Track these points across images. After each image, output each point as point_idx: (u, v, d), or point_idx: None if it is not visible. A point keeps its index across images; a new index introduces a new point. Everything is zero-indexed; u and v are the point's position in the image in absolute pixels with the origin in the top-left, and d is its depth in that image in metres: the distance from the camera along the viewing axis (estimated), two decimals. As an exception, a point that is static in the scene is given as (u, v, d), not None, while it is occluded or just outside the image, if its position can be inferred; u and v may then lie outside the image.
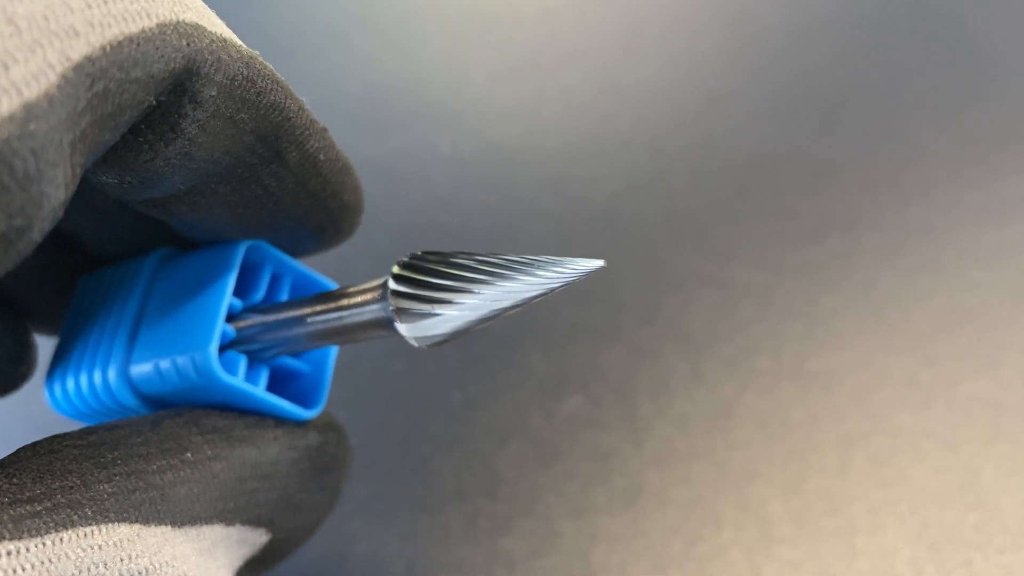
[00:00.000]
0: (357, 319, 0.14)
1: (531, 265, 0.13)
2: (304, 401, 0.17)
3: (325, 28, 0.37)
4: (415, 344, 0.13)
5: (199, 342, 0.14)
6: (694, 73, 0.35)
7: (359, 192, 0.17)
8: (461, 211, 0.30)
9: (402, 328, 0.13)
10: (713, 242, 0.29)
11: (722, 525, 0.23)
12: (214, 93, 0.12)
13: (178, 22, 0.11)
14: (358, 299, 0.14)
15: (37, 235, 0.09)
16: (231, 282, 0.15)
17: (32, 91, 0.09)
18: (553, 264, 0.13)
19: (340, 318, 0.14)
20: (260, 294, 0.16)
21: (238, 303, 0.15)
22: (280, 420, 0.16)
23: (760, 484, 0.24)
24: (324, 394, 0.17)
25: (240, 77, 0.13)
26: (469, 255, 0.13)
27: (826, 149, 0.32)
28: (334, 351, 0.17)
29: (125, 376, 0.15)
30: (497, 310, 0.13)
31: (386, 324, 0.13)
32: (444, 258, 0.13)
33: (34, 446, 0.13)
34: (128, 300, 0.16)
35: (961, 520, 0.23)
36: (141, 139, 0.12)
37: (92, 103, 0.10)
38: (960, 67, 0.34)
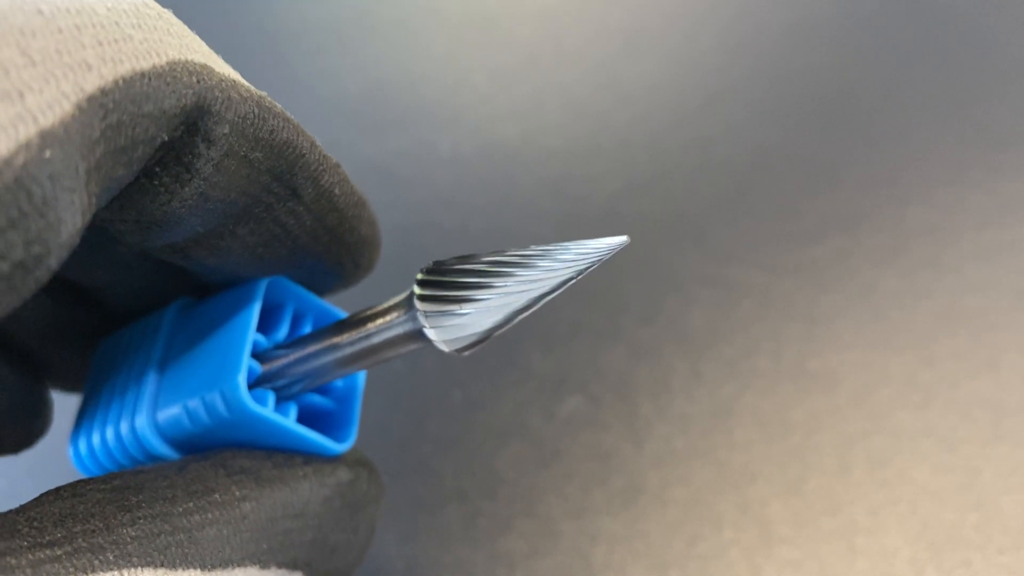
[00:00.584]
0: (386, 335, 0.14)
1: (553, 251, 0.12)
2: (333, 437, 0.16)
3: (325, 28, 0.37)
4: (447, 349, 0.13)
5: (227, 375, 0.14)
6: (694, 73, 0.35)
7: (376, 226, 0.17)
8: (461, 211, 0.30)
9: (433, 334, 0.13)
10: (713, 242, 0.29)
11: (722, 525, 0.23)
12: (226, 131, 0.12)
13: (187, 61, 0.12)
14: (384, 316, 0.14)
15: (55, 262, 0.09)
16: (255, 315, 0.15)
17: (48, 119, 0.09)
18: (576, 247, 0.13)
19: (368, 338, 0.14)
20: (284, 331, 0.16)
21: (263, 340, 0.15)
22: (309, 457, 0.15)
23: (760, 484, 0.23)
24: (354, 428, 0.16)
25: (251, 115, 0.13)
26: (490, 252, 0.13)
27: (826, 149, 0.32)
28: (361, 385, 0.17)
29: (153, 422, 0.15)
30: (526, 301, 0.12)
31: (416, 334, 0.13)
32: (464, 259, 0.13)
33: (57, 491, 0.13)
34: (151, 349, 0.16)
35: (961, 520, 0.23)
36: (156, 181, 0.12)
37: (106, 134, 0.10)
38: (961, 67, 0.34)
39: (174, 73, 0.11)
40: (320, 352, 0.15)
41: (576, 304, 0.27)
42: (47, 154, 0.09)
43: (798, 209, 0.30)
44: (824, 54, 0.35)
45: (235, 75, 0.13)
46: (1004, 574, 0.22)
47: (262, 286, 0.15)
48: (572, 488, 0.24)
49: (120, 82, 0.10)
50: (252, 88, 0.13)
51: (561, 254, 0.12)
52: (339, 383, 0.17)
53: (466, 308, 0.12)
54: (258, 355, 0.15)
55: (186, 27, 0.12)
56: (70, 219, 0.09)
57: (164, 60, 0.11)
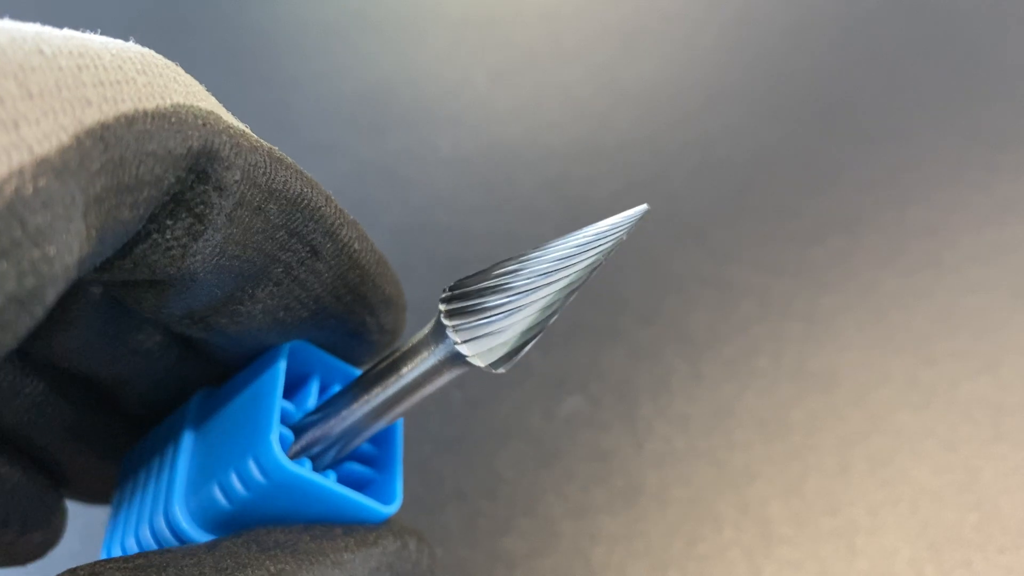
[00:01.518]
0: (419, 370, 0.13)
1: (569, 239, 0.12)
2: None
3: (325, 28, 0.37)
4: (483, 364, 0.12)
5: (258, 439, 0.14)
6: (694, 73, 0.35)
7: (399, 286, 0.16)
8: (461, 211, 0.30)
9: (467, 349, 0.12)
10: (713, 242, 0.29)
11: (722, 525, 0.23)
12: (237, 177, 0.12)
13: (193, 106, 0.11)
14: (413, 351, 0.13)
15: (51, 296, 0.09)
16: (280, 376, 0.14)
17: (43, 148, 0.09)
18: (592, 229, 0.12)
19: (400, 378, 0.13)
20: (312, 400, 0.15)
21: (292, 410, 0.15)
22: (350, 527, 0.14)
23: (760, 484, 0.23)
24: (398, 490, 0.15)
25: (262, 164, 0.12)
26: (506, 258, 0.12)
27: (826, 149, 0.32)
28: (400, 447, 0.16)
29: (186, 506, 0.14)
30: (552, 296, 0.12)
31: (451, 360, 0.13)
32: (482, 271, 0.12)
33: (73, 571, 0.12)
34: (177, 441, 0.15)
35: (961, 520, 0.23)
36: (169, 235, 0.12)
37: (107, 168, 0.10)
38: (960, 67, 0.34)
39: (179, 115, 0.11)
40: (352, 407, 0.14)
41: (576, 304, 0.27)
42: (42, 182, 0.09)
43: (798, 209, 0.30)
44: (824, 55, 0.35)
45: (243, 126, 0.13)
46: (1004, 574, 0.22)
47: (285, 349, 0.15)
48: (572, 488, 0.24)
49: (122, 119, 0.10)
50: (261, 140, 0.13)
51: (578, 240, 0.12)
52: (375, 449, 0.16)
53: (494, 315, 0.12)
54: (290, 426, 0.14)
55: (194, 79, 0.12)
56: (67, 250, 0.09)
57: (169, 103, 0.11)
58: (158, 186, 0.11)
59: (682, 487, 0.24)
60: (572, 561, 0.22)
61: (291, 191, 0.13)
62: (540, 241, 0.13)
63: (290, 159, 0.13)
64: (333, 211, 0.14)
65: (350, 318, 0.15)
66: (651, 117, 0.33)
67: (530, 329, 0.12)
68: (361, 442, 0.15)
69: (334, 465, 0.15)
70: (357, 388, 0.14)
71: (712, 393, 0.25)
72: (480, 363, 0.12)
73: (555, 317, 0.12)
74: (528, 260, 0.12)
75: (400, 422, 0.16)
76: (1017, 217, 0.29)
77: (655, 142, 0.32)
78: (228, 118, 0.12)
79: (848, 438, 0.24)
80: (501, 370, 0.13)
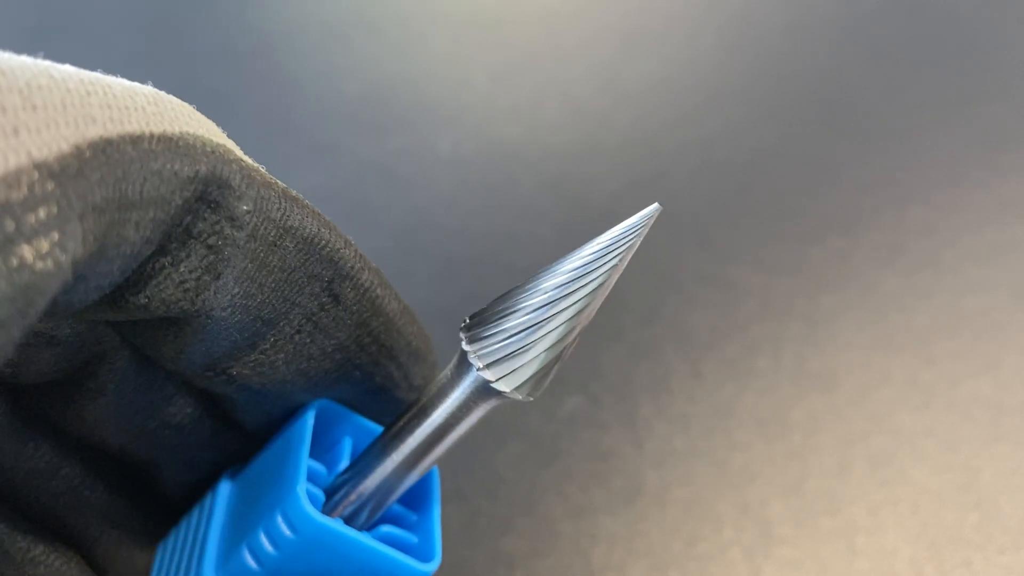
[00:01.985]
0: (449, 409, 0.13)
1: (582, 251, 0.12)
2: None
3: (325, 28, 0.37)
4: (508, 389, 0.12)
5: (285, 492, 0.13)
6: (694, 73, 0.35)
7: (428, 341, 0.15)
8: (461, 211, 0.30)
9: (491, 373, 0.12)
10: (713, 242, 0.29)
11: (722, 525, 0.23)
12: (249, 207, 0.12)
13: (202, 136, 0.11)
14: (439, 392, 0.13)
15: (43, 296, 0.09)
16: (307, 430, 0.14)
17: (42, 153, 0.09)
18: (604, 238, 0.12)
19: (429, 421, 0.13)
20: (344, 463, 0.15)
21: (323, 471, 0.14)
22: None
23: (760, 484, 0.24)
24: (437, 547, 0.15)
25: (275, 199, 0.12)
26: (524, 281, 0.12)
27: (826, 149, 0.32)
28: (437, 502, 0.15)
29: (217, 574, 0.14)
30: (572, 309, 0.12)
31: (479, 391, 0.12)
32: (500, 296, 0.12)
33: None
34: (209, 517, 0.15)
35: (961, 520, 0.23)
36: (183, 267, 0.12)
37: (107, 179, 0.10)
38: (960, 67, 0.34)
39: (187, 141, 0.11)
40: (384, 459, 0.13)
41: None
42: (37, 186, 0.09)
43: (798, 209, 0.30)
44: (824, 54, 0.35)
45: (257, 164, 0.12)
46: (1004, 574, 0.22)
47: (312, 406, 0.15)
48: (572, 488, 0.24)
49: (127, 137, 0.10)
50: (276, 178, 0.13)
51: (591, 249, 0.12)
52: (410, 508, 0.15)
53: (515, 335, 0.12)
54: (322, 488, 0.14)
55: (209, 120, 0.12)
56: (60, 249, 0.09)
57: (178, 130, 0.11)
58: (164, 208, 0.11)
59: (682, 487, 0.24)
60: (572, 561, 0.22)
61: (307, 230, 0.13)
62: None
63: (306, 200, 0.13)
64: (353, 255, 0.13)
65: (376, 370, 0.15)
66: (651, 117, 0.33)
67: (553, 347, 0.12)
68: (396, 497, 0.14)
69: (369, 526, 0.14)
70: (386, 438, 0.14)
71: (712, 393, 0.25)
72: (505, 387, 0.12)
73: (576, 334, 0.12)
74: (543, 276, 0.12)
75: (436, 476, 0.15)
76: (1017, 217, 0.29)
77: (655, 142, 0.32)
78: (240, 153, 0.12)
79: (848, 438, 0.24)
80: (529, 396, 0.12)
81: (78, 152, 0.09)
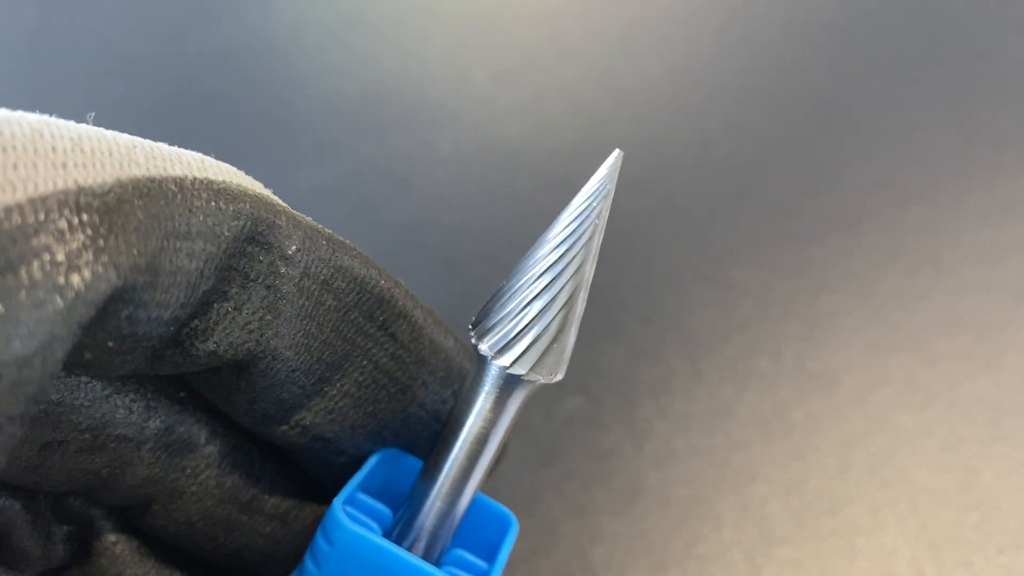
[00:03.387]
0: (477, 411, 0.13)
1: (554, 225, 0.12)
2: None
3: (325, 28, 0.37)
4: (522, 373, 0.12)
5: (328, 512, 0.13)
6: (694, 73, 0.35)
7: None
8: (461, 211, 0.30)
9: (504, 359, 0.12)
10: (713, 242, 0.29)
11: (722, 525, 0.23)
12: (298, 246, 0.12)
13: (242, 184, 0.12)
14: (464, 399, 0.13)
15: (88, 312, 0.09)
16: (364, 467, 0.14)
17: (87, 182, 0.10)
18: (578, 196, 0.12)
19: (465, 431, 0.13)
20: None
21: (388, 514, 0.14)
22: None
23: (760, 484, 0.23)
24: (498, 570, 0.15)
25: (321, 237, 0.13)
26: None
27: (826, 149, 0.32)
28: (505, 554, 0.15)
29: None
30: (563, 274, 0.12)
31: (500, 384, 0.13)
32: (495, 291, 0.13)
33: None
34: None
35: (961, 520, 0.23)
36: (246, 309, 0.12)
37: (149, 208, 0.10)
38: (960, 67, 0.34)
39: (230, 187, 0.11)
40: (432, 481, 0.13)
41: (576, 304, 0.27)
42: (73, 216, 0.09)
43: (798, 209, 0.30)
44: (824, 54, 0.35)
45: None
46: (1004, 574, 0.22)
47: (379, 451, 0.15)
48: (572, 488, 0.24)
49: (170, 179, 0.11)
50: (321, 226, 0.13)
51: (568, 215, 0.12)
52: (485, 563, 0.15)
53: (516, 317, 0.12)
54: (385, 533, 0.14)
55: (254, 179, 0.13)
56: (101, 267, 0.09)
57: (221, 179, 0.11)
58: (214, 240, 0.11)
59: (682, 487, 0.24)
60: (572, 561, 0.22)
61: (357, 272, 0.13)
62: (535, 241, 0.13)
63: (351, 243, 0.13)
64: (403, 292, 0.14)
65: (443, 408, 0.15)
66: (651, 117, 0.33)
67: (557, 315, 0.12)
68: (456, 522, 0.14)
69: (439, 560, 0.14)
70: (429, 462, 0.14)
71: (712, 393, 0.25)
72: (522, 370, 0.12)
73: (581, 299, 0.12)
74: (532, 251, 0.12)
75: (513, 532, 0.15)
76: (1018, 217, 0.29)
77: (655, 142, 0.32)
78: (285, 205, 0.13)
79: (848, 438, 0.24)
80: (552, 376, 0.12)
81: (120, 184, 0.10)
